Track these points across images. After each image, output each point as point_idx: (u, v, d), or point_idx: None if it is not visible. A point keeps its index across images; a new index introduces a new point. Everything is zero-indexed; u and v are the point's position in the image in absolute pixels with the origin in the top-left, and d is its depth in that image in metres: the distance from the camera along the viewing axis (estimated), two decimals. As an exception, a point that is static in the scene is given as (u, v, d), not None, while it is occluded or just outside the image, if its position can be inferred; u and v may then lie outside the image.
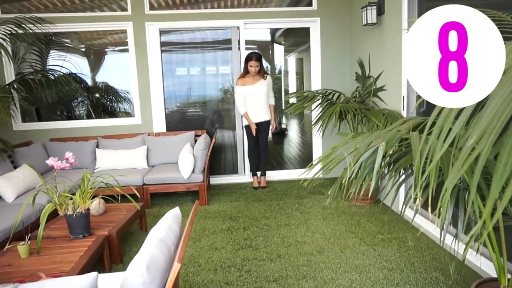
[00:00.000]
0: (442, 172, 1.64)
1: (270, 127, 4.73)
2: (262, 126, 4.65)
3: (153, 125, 4.96)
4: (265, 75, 4.60)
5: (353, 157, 1.57)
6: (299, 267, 2.72)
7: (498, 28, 1.43)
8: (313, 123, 4.40)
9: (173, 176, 4.13)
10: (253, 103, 4.57)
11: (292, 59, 5.44)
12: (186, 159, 4.07)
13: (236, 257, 2.91)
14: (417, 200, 1.52)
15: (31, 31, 3.91)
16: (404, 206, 1.84)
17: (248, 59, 4.48)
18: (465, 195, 1.60)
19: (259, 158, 4.80)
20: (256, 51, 4.65)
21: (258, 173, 4.86)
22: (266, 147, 4.76)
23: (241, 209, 4.03)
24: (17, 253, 2.31)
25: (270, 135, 4.86)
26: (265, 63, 5.11)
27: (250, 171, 4.89)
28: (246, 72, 4.53)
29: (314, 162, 1.80)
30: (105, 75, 5.03)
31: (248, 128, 4.67)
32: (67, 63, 4.87)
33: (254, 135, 4.60)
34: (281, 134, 5.61)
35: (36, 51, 4.78)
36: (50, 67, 4.81)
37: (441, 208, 1.47)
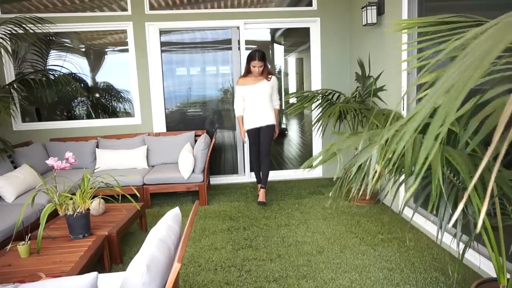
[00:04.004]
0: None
1: (274, 133, 4.23)
2: (264, 131, 4.12)
3: (153, 125, 4.96)
4: (269, 76, 4.09)
5: (350, 156, 1.57)
6: (299, 267, 2.72)
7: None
8: (313, 123, 4.40)
9: (173, 176, 4.13)
10: (254, 105, 4.09)
11: (292, 59, 5.44)
12: (186, 159, 4.07)
13: (236, 257, 2.92)
14: (409, 194, 1.52)
15: (31, 31, 3.91)
16: (402, 204, 1.84)
17: (250, 58, 3.99)
18: (463, 195, 1.59)
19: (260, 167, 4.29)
20: (259, 49, 4.07)
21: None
22: (267, 155, 4.17)
23: (241, 209, 4.03)
24: (17, 253, 2.32)
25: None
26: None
27: (257, 183, 4.40)
28: (248, 71, 4.08)
29: (315, 162, 1.80)
30: (105, 75, 5.03)
31: (250, 133, 4.15)
32: (67, 63, 4.88)
33: (244, 142, 4.20)
34: (281, 134, 5.61)
35: (36, 51, 4.78)
36: (50, 67, 4.82)
37: (434, 205, 1.48)
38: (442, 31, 1.48)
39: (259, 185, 4.30)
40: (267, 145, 4.15)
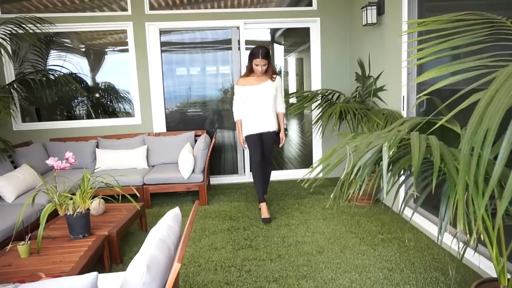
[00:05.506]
0: (443, 172, 1.64)
1: (280, 140, 3.86)
2: (266, 138, 3.75)
3: (153, 125, 4.96)
4: (274, 76, 3.70)
5: (353, 157, 1.57)
6: (299, 267, 2.72)
7: (492, 30, 1.43)
8: (313, 123, 4.40)
9: (173, 176, 4.13)
10: (255, 109, 3.67)
11: (292, 59, 5.44)
12: (186, 159, 4.07)
13: (236, 257, 2.91)
14: (415, 195, 1.52)
15: (31, 31, 3.91)
16: (403, 205, 1.84)
17: (252, 55, 3.57)
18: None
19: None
20: (263, 45, 3.62)
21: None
22: (270, 166, 3.87)
23: (241, 209, 4.03)
24: (17, 253, 2.31)
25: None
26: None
27: (257, 194, 3.79)
28: (250, 71, 3.67)
29: (314, 165, 1.80)
30: (105, 75, 5.03)
31: (250, 138, 3.72)
32: (67, 63, 4.88)
33: (244, 148, 3.73)
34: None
35: (36, 51, 4.78)
36: (51, 67, 4.82)
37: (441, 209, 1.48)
38: (454, 28, 1.48)
39: (264, 205, 3.72)
40: (269, 154, 3.84)
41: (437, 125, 1.52)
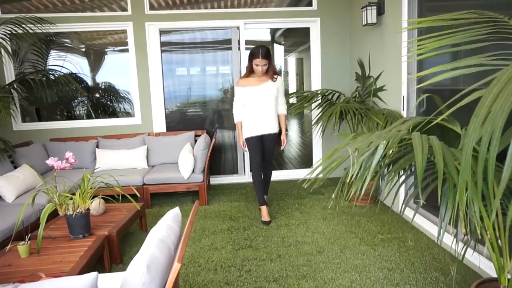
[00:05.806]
0: (444, 172, 1.63)
1: (282, 142, 3.79)
2: (267, 140, 3.69)
3: (153, 125, 4.96)
4: (275, 76, 3.62)
5: (355, 157, 1.57)
6: (299, 267, 2.72)
7: (494, 29, 1.43)
8: (313, 123, 4.39)
9: (173, 176, 4.13)
10: (256, 110, 3.59)
11: (292, 59, 5.44)
12: (186, 159, 4.07)
13: (236, 257, 2.91)
14: (421, 203, 1.52)
15: (31, 31, 3.91)
16: (403, 205, 1.84)
17: (252, 55, 3.49)
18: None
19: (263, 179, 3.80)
20: (263, 45, 3.53)
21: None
22: (270, 166, 3.82)
23: (241, 209, 4.03)
24: (17, 253, 2.32)
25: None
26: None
27: (257, 196, 3.76)
28: (250, 71, 3.60)
29: (315, 166, 1.80)
30: (105, 75, 5.03)
31: (250, 141, 3.64)
32: (67, 63, 4.88)
33: (245, 150, 3.76)
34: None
35: (36, 51, 4.78)
36: (51, 67, 4.82)
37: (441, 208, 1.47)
38: (455, 26, 1.48)
39: (264, 208, 3.65)
40: (270, 156, 3.78)
41: (435, 121, 1.52)
